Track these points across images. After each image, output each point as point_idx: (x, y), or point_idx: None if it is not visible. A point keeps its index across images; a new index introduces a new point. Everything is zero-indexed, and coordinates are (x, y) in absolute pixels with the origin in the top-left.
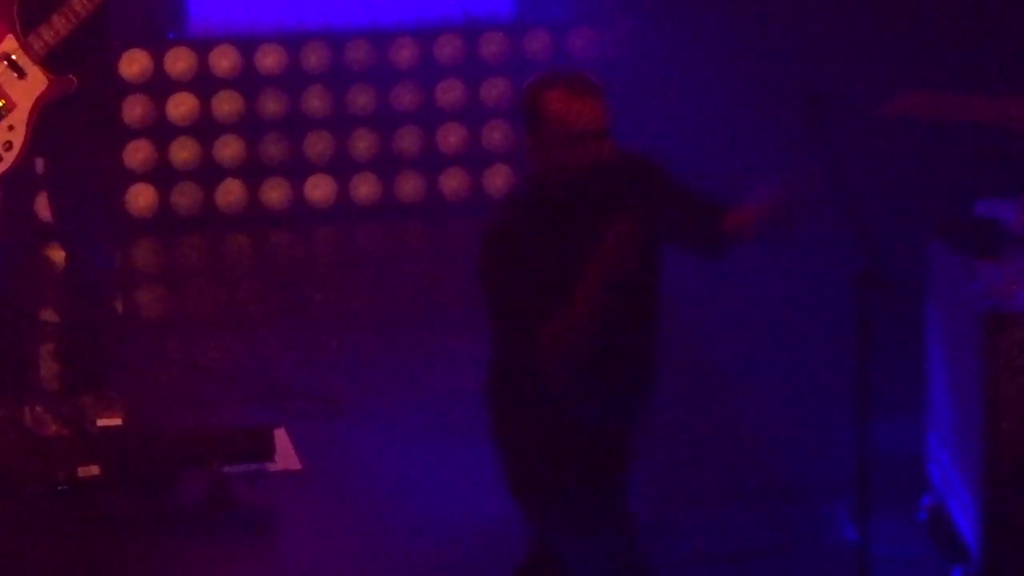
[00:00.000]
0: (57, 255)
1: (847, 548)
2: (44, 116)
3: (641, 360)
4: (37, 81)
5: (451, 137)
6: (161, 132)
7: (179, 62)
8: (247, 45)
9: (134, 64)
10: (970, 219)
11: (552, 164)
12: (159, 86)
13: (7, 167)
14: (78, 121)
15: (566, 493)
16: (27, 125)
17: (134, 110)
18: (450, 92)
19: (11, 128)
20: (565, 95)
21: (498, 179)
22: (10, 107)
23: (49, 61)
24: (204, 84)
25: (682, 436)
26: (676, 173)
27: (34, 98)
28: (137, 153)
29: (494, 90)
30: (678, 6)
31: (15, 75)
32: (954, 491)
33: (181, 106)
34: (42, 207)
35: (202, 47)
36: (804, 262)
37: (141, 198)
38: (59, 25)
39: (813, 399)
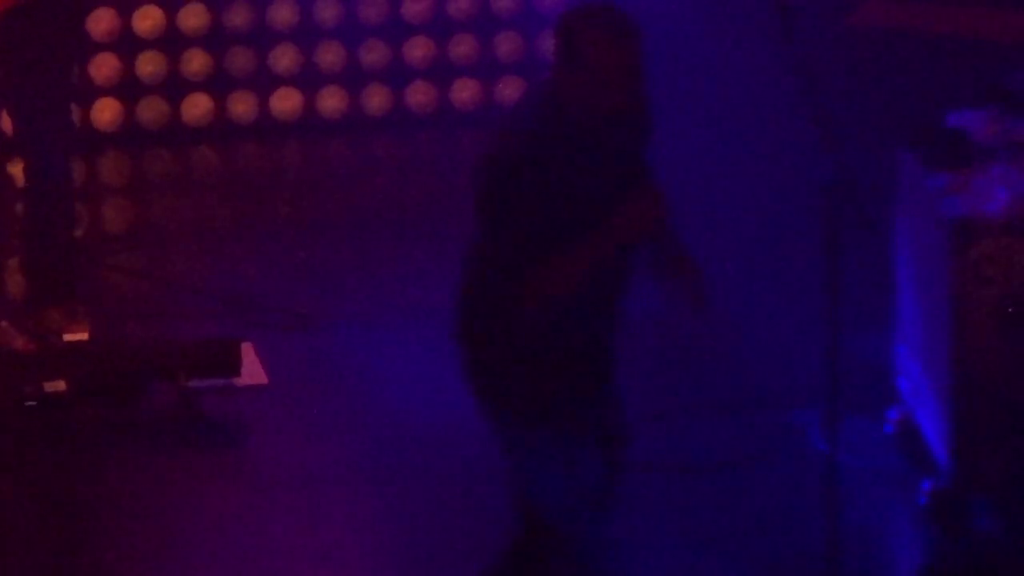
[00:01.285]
0: (17, 168)
1: (816, 459)
2: (5, 26)
3: (616, 286)
4: None
5: (417, 50)
6: (128, 46)
7: (147, 20)
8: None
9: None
10: (939, 130)
11: (581, 101)
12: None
13: None
14: (37, 32)
15: (532, 413)
16: None
17: (100, 24)
18: (417, 3)
19: None
20: (604, 37)
21: (464, 93)
22: None
23: None
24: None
25: (651, 346)
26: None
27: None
28: (102, 67)
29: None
30: None
31: None
32: (923, 403)
33: (148, 19)
34: (5, 120)
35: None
36: (774, 170)
37: (106, 111)
38: None
39: (783, 309)
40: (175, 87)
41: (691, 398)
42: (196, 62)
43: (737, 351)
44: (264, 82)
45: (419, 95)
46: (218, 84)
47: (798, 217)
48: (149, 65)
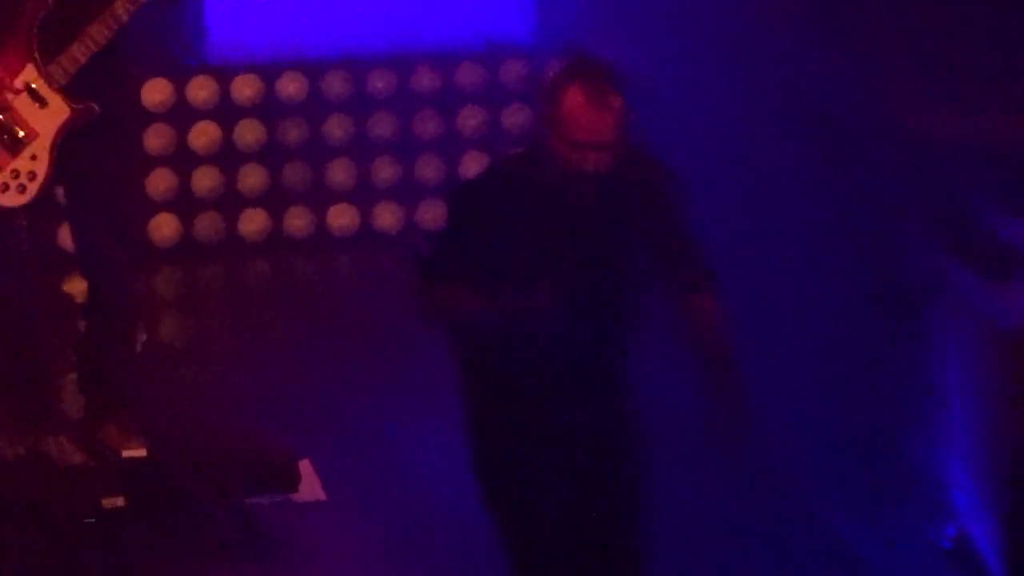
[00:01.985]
0: (79, 285)
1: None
2: (66, 145)
3: (602, 363)
4: (59, 110)
5: (472, 165)
6: (183, 160)
7: (201, 90)
8: (269, 72)
9: (156, 92)
10: (988, 238)
11: (553, 153)
12: (181, 114)
13: (31, 197)
14: (99, 149)
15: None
16: (50, 154)
17: (156, 139)
18: (471, 119)
19: (34, 158)
20: (584, 102)
21: None
22: (32, 137)
23: (69, 90)
24: (226, 112)
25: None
26: (689, 205)
27: (56, 127)
28: (159, 176)
29: (515, 117)
30: (695, 30)
31: (36, 105)
32: (979, 517)
33: (203, 135)
34: (65, 237)
35: (223, 75)
36: (821, 281)
37: (165, 227)
38: (78, 53)
39: (832, 421)
40: (231, 202)
41: (735, 508)
42: (251, 177)
43: (782, 458)
44: (320, 196)
45: None
46: (273, 199)
47: (846, 324)
48: (205, 180)
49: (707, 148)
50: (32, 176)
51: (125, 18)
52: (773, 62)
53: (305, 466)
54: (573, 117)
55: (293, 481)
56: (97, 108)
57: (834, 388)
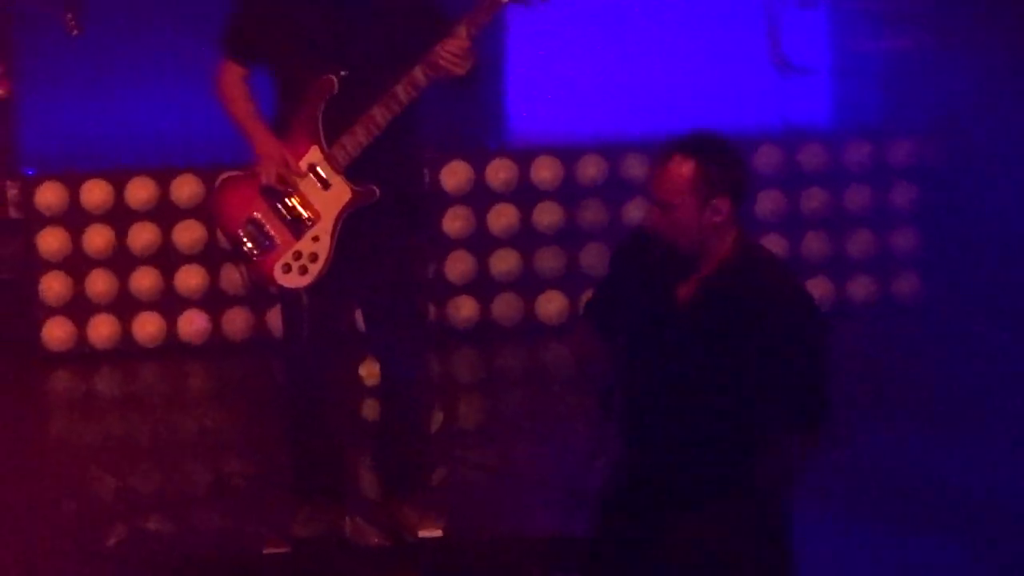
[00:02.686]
0: (372, 367)
1: None
2: (348, 227)
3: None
4: (341, 192)
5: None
6: (480, 243)
7: (500, 172)
8: (568, 155)
9: (455, 175)
10: None
11: None
12: (479, 198)
13: (313, 279)
14: (389, 230)
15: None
16: (331, 236)
17: (455, 221)
18: (766, 201)
19: (316, 239)
20: (654, 157)
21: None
22: (315, 218)
23: (352, 172)
24: (525, 194)
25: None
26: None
27: (338, 209)
28: (456, 261)
29: (813, 200)
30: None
31: (320, 187)
32: None
33: (502, 217)
34: (357, 318)
35: (523, 157)
36: None
37: (463, 309)
38: (360, 135)
39: None
40: (528, 284)
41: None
42: (549, 260)
43: None
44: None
45: None
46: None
47: None
48: (503, 263)
49: None
50: (314, 258)
51: (406, 101)
52: None
53: None
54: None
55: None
56: (377, 191)
57: None
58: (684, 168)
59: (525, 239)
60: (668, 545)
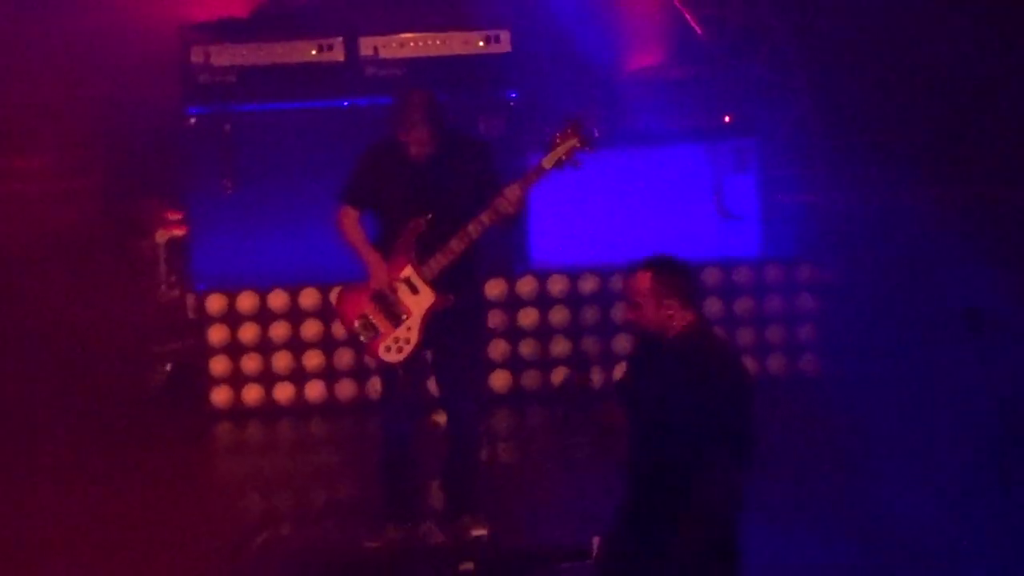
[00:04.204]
0: (442, 418)
1: None
2: (430, 321)
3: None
4: (426, 296)
5: None
6: (513, 335)
7: (525, 286)
8: (573, 273)
9: (495, 287)
10: None
11: None
12: (511, 304)
13: (404, 357)
14: (454, 326)
15: None
16: (419, 328)
17: (495, 318)
18: (710, 305)
19: (408, 328)
20: (626, 272)
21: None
22: (408, 314)
23: (435, 283)
24: (543, 301)
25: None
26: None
27: (424, 309)
28: (496, 346)
29: (743, 305)
30: None
31: (411, 292)
32: None
33: (526, 318)
34: (431, 385)
35: (541, 275)
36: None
37: (500, 380)
38: (442, 258)
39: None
40: (546, 363)
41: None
42: (561, 344)
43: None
44: None
45: None
46: None
47: None
48: (527, 348)
49: None
50: (407, 342)
51: (475, 236)
52: None
53: (596, 541)
54: None
55: (587, 552)
56: (452, 298)
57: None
58: (644, 279)
59: (544, 331)
60: (648, 547)
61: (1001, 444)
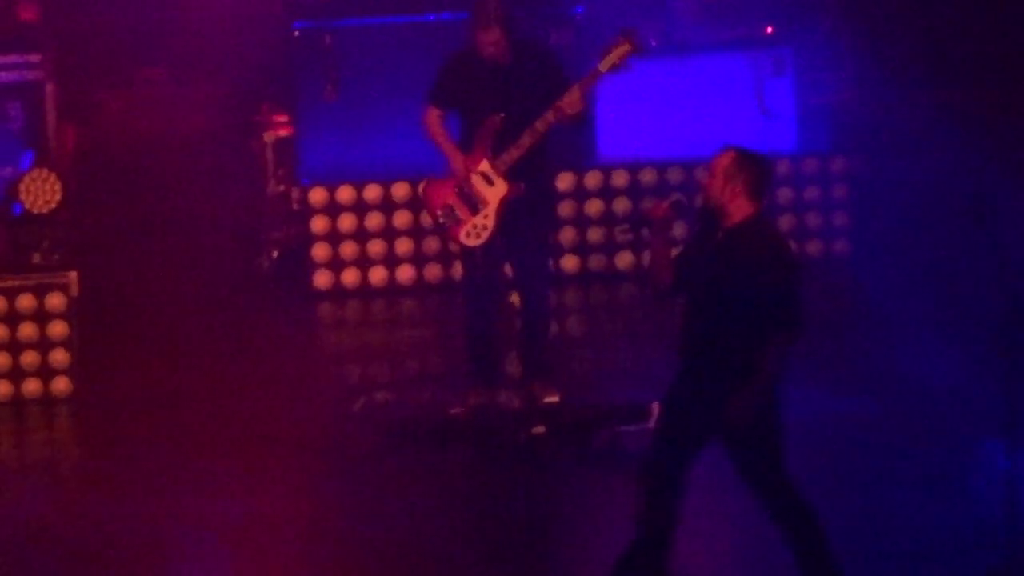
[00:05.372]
0: (516, 297)
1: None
2: (505, 209)
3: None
4: (500, 187)
5: None
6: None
7: (592, 180)
8: (634, 167)
9: (564, 180)
10: None
11: None
12: (580, 195)
13: (482, 242)
14: (526, 214)
15: None
16: (495, 216)
17: (563, 210)
18: None
19: (485, 216)
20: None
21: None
22: (485, 204)
23: (509, 174)
24: (606, 194)
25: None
26: None
27: (499, 198)
28: (566, 232)
29: (783, 196)
30: None
31: (487, 183)
32: None
33: (593, 207)
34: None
35: (606, 169)
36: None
37: (570, 263)
38: (515, 152)
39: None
40: (608, 246)
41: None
42: (623, 231)
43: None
44: None
45: None
46: None
47: None
48: (595, 234)
49: None
50: (484, 228)
51: (543, 131)
52: None
53: (655, 406)
54: None
55: (647, 415)
56: (523, 188)
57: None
58: (725, 157)
59: (608, 219)
60: (703, 408)
61: (1005, 316)
